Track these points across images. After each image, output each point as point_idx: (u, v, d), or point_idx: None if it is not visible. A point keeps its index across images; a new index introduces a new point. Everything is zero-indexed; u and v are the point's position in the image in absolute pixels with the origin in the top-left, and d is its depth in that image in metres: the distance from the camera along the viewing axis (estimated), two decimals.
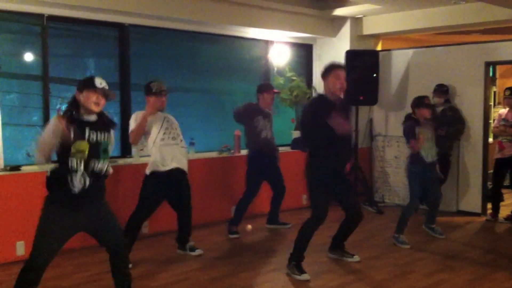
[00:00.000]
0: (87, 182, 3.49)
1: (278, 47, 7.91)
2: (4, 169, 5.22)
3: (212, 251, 5.52)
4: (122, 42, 6.35)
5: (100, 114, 3.63)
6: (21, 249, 5.18)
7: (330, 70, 4.73)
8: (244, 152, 6.74)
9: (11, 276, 4.74)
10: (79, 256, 5.27)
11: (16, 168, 5.28)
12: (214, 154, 6.90)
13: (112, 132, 3.70)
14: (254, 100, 6.35)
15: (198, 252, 5.36)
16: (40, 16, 5.67)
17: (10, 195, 5.14)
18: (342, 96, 4.80)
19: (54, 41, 5.85)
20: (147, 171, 5.08)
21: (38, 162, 3.69)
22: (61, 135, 3.41)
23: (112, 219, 3.72)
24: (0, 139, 5.24)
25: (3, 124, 5.31)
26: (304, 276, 4.67)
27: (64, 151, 3.46)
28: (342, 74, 4.70)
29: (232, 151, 7.00)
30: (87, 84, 3.55)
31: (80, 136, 3.46)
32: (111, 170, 3.72)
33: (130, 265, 4.82)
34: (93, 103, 3.52)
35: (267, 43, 7.87)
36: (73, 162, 3.45)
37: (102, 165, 3.57)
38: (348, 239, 5.24)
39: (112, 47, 6.36)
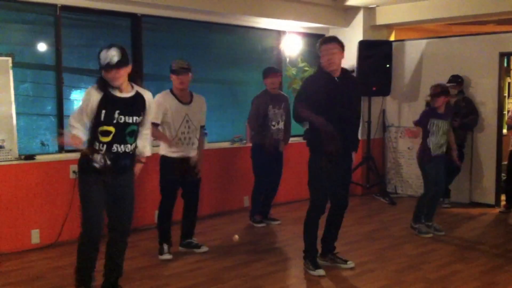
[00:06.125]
0: (108, 162, 3.63)
1: (290, 37, 7.88)
2: (19, 158, 5.25)
3: (225, 240, 5.54)
4: (134, 32, 6.35)
5: (137, 92, 3.73)
6: (36, 237, 5.23)
7: (321, 45, 4.46)
8: None
9: (25, 264, 4.81)
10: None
11: (31, 157, 5.32)
12: (226, 144, 6.92)
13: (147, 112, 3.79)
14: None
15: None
16: (53, 6, 5.67)
17: (24, 183, 5.18)
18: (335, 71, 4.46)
19: (68, 31, 5.86)
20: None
21: None
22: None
23: (125, 202, 3.81)
24: (15, 129, 5.26)
25: (17, 113, 5.33)
26: (318, 272, 4.52)
27: (92, 129, 3.64)
28: (331, 48, 4.40)
29: (244, 141, 7.00)
30: (100, 65, 3.61)
31: (109, 118, 3.61)
32: (146, 152, 3.90)
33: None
34: (112, 79, 3.59)
35: (279, 33, 7.84)
36: (96, 144, 3.62)
37: (125, 147, 3.69)
38: (360, 231, 5.22)
39: (125, 37, 6.36)
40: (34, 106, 5.74)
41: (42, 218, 5.28)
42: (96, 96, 3.60)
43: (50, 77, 5.79)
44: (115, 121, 3.61)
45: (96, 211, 3.72)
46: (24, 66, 5.63)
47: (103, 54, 3.57)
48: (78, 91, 6.06)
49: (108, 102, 3.60)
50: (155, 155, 5.12)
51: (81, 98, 5.70)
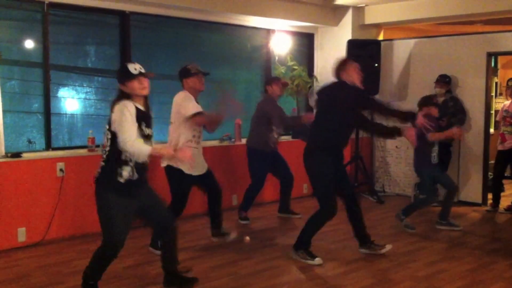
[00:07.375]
0: (135, 174, 3.65)
1: (279, 36, 7.88)
2: (5, 156, 5.21)
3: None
4: (123, 29, 6.32)
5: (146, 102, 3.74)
6: (22, 235, 5.19)
7: (349, 63, 4.93)
8: (245, 140, 6.74)
9: (11, 262, 4.77)
10: (80, 243, 5.29)
11: (17, 155, 5.28)
12: (215, 143, 6.90)
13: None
14: (257, 90, 6.35)
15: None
16: (40, 3, 5.63)
17: (11, 181, 5.13)
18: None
19: (55, 28, 5.82)
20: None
21: None
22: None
23: (156, 198, 3.91)
24: (1, 126, 5.23)
25: (4, 111, 5.30)
26: (317, 261, 4.77)
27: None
28: (358, 66, 4.92)
29: (233, 139, 6.99)
30: (125, 76, 3.63)
31: (140, 131, 3.63)
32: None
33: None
34: (140, 89, 3.63)
35: (268, 31, 7.84)
36: (125, 155, 3.60)
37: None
38: (348, 230, 5.23)
39: (113, 35, 6.33)
40: (21, 104, 5.69)
41: (28, 216, 5.23)
42: (133, 108, 3.60)
43: (37, 75, 5.75)
44: (144, 133, 3.65)
45: (120, 228, 3.69)
46: (11, 63, 5.58)
47: (131, 66, 3.65)
48: (65, 88, 6.01)
49: (139, 116, 3.63)
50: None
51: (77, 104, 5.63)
